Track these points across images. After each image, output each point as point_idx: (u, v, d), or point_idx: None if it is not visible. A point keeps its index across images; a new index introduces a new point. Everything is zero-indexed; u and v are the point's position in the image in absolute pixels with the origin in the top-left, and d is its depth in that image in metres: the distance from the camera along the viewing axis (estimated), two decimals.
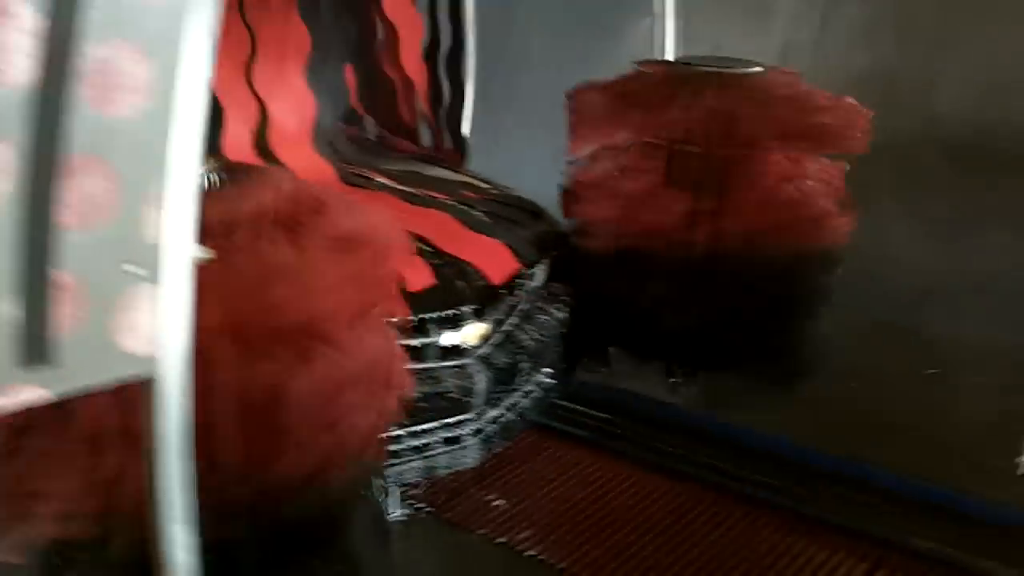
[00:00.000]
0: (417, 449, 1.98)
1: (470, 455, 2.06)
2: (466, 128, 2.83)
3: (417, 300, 1.91)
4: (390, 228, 1.61)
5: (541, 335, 2.21)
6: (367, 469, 1.60)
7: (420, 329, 1.93)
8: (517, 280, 2.15)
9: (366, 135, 2.78)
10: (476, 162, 2.79)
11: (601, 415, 2.53)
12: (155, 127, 1.06)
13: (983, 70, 2.53)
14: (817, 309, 2.30)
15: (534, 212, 2.38)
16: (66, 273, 1.03)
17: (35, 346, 1.02)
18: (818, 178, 2.20)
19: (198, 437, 1.23)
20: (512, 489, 2.28)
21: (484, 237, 2.16)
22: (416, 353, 1.92)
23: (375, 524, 1.75)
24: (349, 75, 2.68)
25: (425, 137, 2.81)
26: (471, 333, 2.00)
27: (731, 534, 2.16)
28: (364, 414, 1.52)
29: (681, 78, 2.30)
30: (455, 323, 1.97)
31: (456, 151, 2.80)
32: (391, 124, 2.78)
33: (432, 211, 2.23)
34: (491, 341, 2.06)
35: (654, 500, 2.28)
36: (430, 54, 2.78)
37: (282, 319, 1.42)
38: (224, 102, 2.27)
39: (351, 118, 2.73)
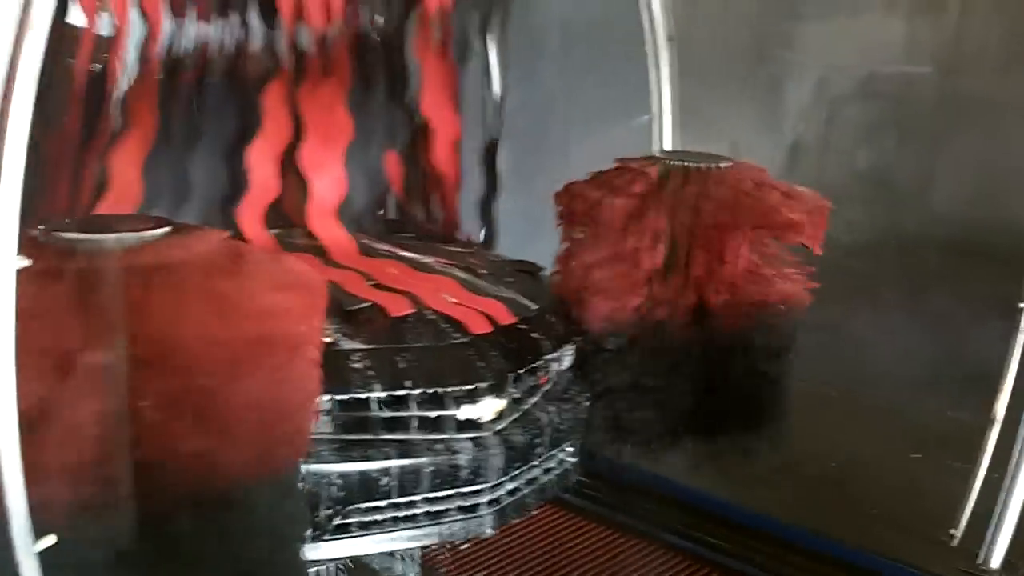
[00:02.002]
0: (432, 515, 2.11)
1: (486, 524, 2.17)
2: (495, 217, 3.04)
3: (436, 374, 2.07)
4: (310, 277, 1.89)
5: (562, 416, 2.32)
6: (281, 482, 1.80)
7: (437, 402, 2.08)
8: (541, 362, 2.30)
9: (394, 218, 2.98)
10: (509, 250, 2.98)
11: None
12: None
13: (976, 170, 2.68)
14: (787, 384, 2.47)
15: (531, 272, 2.58)
16: None
17: None
18: (781, 263, 2.41)
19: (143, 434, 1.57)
20: None
21: (479, 297, 2.34)
22: (433, 424, 2.07)
23: None
24: (388, 164, 2.90)
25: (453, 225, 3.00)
26: (487, 408, 2.14)
27: None
28: (279, 431, 1.74)
29: (649, 171, 2.51)
30: (472, 398, 2.11)
31: (486, 239, 3.00)
32: (423, 212, 2.98)
33: (433, 276, 2.45)
34: (508, 418, 2.19)
35: (603, 553, 2.63)
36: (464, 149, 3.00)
37: (207, 345, 1.67)
38: (250, 177, 2.54)
39: (385, 202, 2.94)
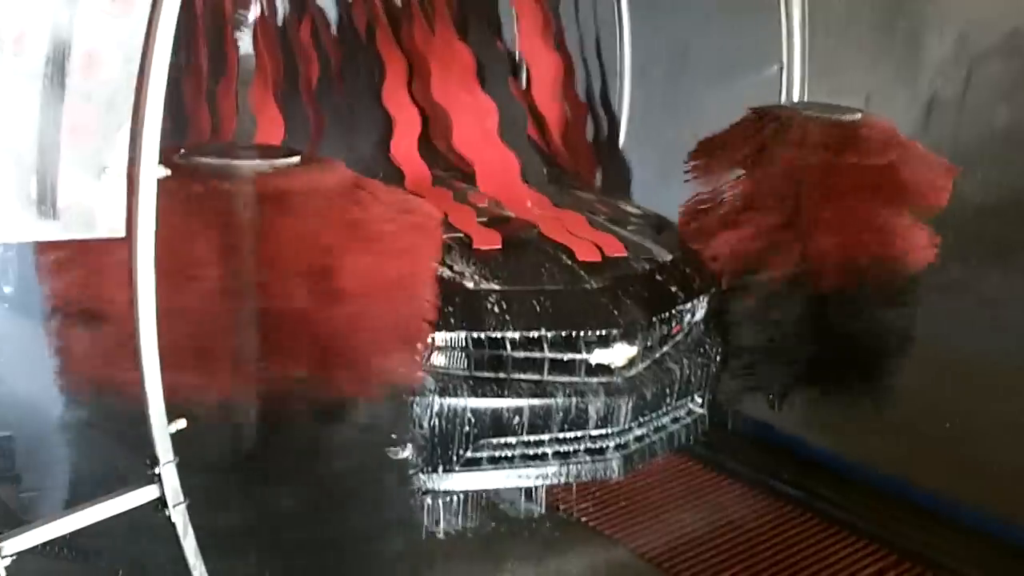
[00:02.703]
0: (560, 455, 2.18)
1: (613, 468, 2.23)
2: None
3: (571, 319, 2.13)
4: (426, 208, 2.00)
5: (693, 367, 2.35)
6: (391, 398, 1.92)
7: (570, 345, 2.13)
8: (675, 312, 2.32)
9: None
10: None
11: None
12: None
13: None
14: (909, 341, 2.48)
15: (664, 225, 2.61)
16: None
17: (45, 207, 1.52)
18: (906, 221, 2.40)
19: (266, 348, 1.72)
20: None
21: (598, 231, 2.43)
22: (565, 367, 2.13)
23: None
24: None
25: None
26: (619, 355, 2.19)
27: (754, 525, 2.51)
28: (391, 349, 1.87)
29: (782, 122, 2.51)
30: (604, 344, 2.16)
31: (616, 184, 3.03)
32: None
33: (565, 212, 2.54)
34: (639, 365, 2.24)
35: (706, 492, 2.67)
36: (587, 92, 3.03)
37: (337, 264, 1.80)
38: (393, 114, 2.67)
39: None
